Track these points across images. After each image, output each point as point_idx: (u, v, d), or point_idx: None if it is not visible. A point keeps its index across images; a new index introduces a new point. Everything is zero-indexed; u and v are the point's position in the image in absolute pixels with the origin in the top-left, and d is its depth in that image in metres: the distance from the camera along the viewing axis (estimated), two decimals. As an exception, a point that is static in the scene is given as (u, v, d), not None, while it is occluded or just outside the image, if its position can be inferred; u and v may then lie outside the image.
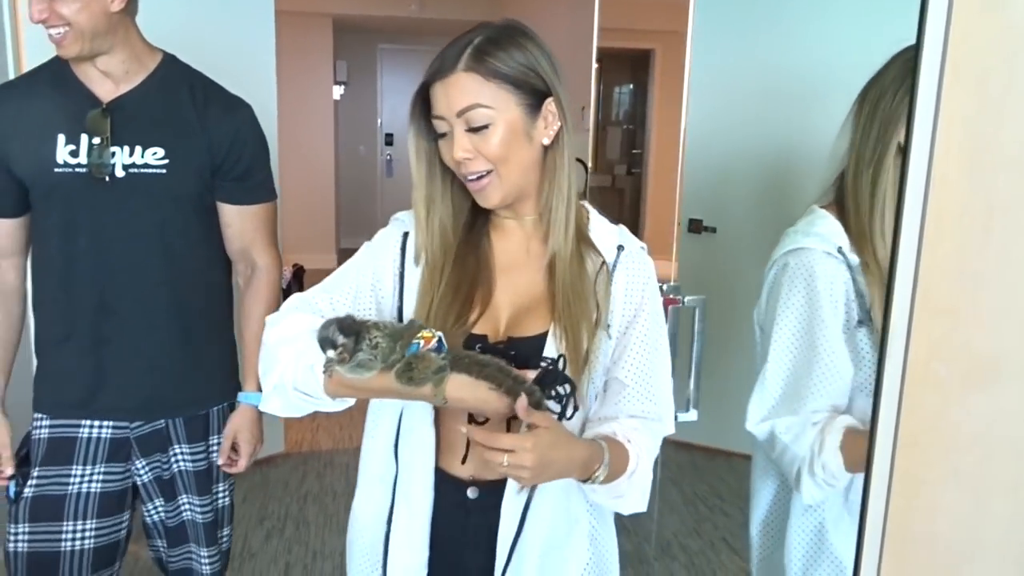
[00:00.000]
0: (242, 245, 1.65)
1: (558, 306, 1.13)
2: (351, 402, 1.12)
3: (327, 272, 1.21)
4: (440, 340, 1.02)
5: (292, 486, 3.41)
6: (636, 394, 1.16)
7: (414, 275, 1.16)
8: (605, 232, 1.20)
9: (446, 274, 1.13)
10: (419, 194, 1.15)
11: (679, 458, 3.63)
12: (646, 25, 6.51)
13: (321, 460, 3.60)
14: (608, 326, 1.15)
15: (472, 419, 1.11)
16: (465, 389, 1.03)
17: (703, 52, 3.52)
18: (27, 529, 1.54)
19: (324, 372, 1.04)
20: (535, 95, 1.09)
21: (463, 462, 1.15)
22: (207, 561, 1.68)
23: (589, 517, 1.21)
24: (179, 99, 1.56)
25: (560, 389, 1.07)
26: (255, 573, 2.76)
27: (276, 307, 1.67)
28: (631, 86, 8.62)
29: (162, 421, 1.62)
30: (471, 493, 1.16)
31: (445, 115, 1.07)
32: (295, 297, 1.16)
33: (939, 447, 0.85)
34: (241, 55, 3.23)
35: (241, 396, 1.68)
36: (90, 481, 1.58)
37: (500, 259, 1.18)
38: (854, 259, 1.25)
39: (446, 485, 1.16)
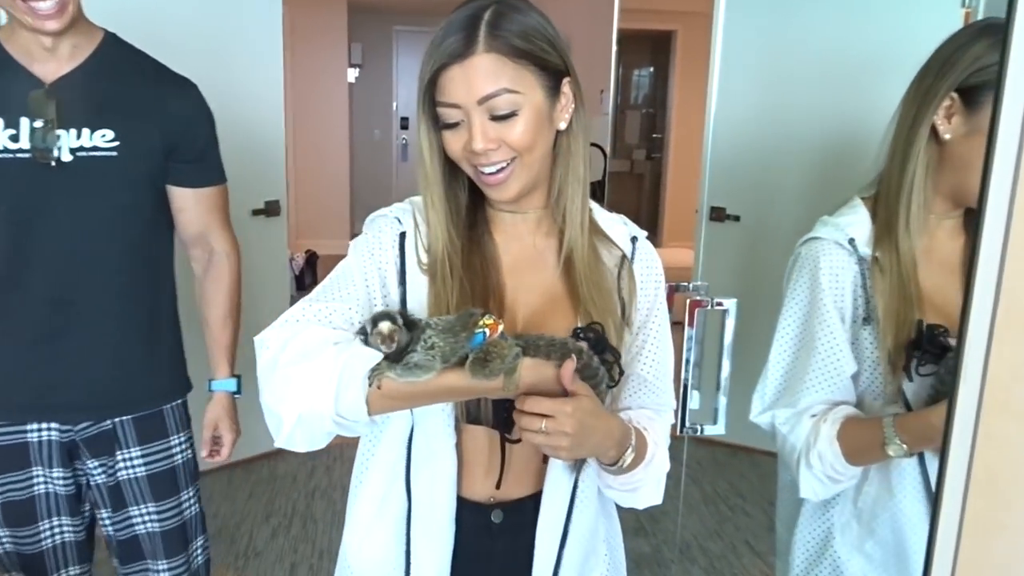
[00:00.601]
0: (199, 230, 1.59)
1: (583, 305, 1.04)
2: (379, 422, 1.00)
3: (341, 258, 1.08)
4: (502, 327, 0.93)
5: (300, 481, 3.32)
6: (655, 388, 1.12)
7: (417, 281, 1.04)
8: (611, 222, 1.13)
9: (456, 279, 1.01)
10: (435, 193, 1.03)
11: (699, 454, 3.52)
12: (668, 6, 6.35)
13: (330, 454, 3.52)
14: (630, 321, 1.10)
15: (504, 438, 1.02)
16: (536, 372, 0.92)
17: (729, 33, 3.37)
18: (6, 533, 1.52)
19: (371, 382, 0.89)
20: (554, 75, 0.99)
21: (498, 485, 1.05)
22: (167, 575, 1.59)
23: (603, 519, 1.16)
24: (128, 79, 1.48)
25: (606, 356, 1.00)
26: (260, 573, 2.68)
27: (238, 292, 1.66)
28: (651, 69, 8.45)
29: (109, 422, 1.53)
30: (495, 517, 1.07)
31: (462, 103, 0.95)
32: (294, 311, 1.00)
33: (1022, 485, 0.73)
34: (247, 38, 3.12)
35: (215, 384, 1.62)
36: (52, 483, 1.53)
37: (505, 258, 1.07)
38: (865, 251, 1.19)
39: (467, 512, 1.05)
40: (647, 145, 8.38)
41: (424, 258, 1.03)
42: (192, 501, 1.63)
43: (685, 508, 3.08)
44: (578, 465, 1.04)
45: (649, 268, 1.12)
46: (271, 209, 3.28)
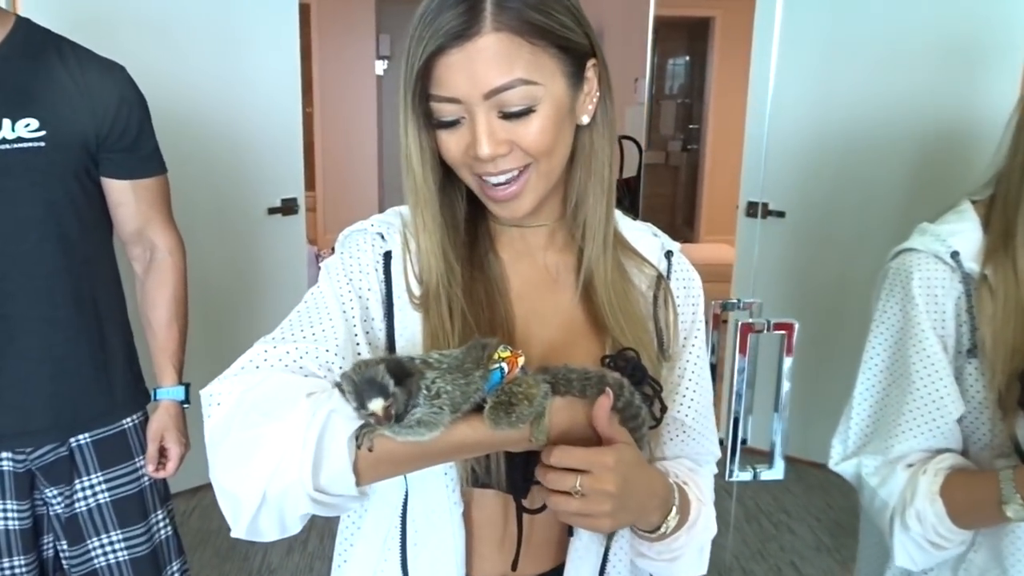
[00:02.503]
0: (138, 225, 1.46)
1: (611, 336, 0.85)
2: (368, 496, 0.78)
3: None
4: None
5: (319, 491, 3.17)
6: (696, 433, 0.94)
7: (407, 313, 0.85)
8: (639, 234, 0.93)
9: (456, 311, 0.82)
10: (428, 212, 0.83)
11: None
12: (706, -10, 6.10)
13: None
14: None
15: (521, 506, 0.82)
16: (569, 415, 0.74)
17: (775, 14, 3.14)
18: None
19: (359, 444, 0.70)
20: (578, 58, 0.79)
21: (514, 566, 0.84)
22: None
23: None
24: (49, 64, 1.33)
25: (645, 389, 0.81)
26: (273, 593, 2.55)
27: (184, 293, 1.50)
28: (687, 57, 8.19)
29: (66, 448, 1.39)
30: None
31: (464, 97, 0.75)
32: (253, 354, 0.78)
33: None
34: (262, 38, 2.97)
35: (161, 393, 1.48)
36: (8, 518, 1.39)
37: (514, 281, 0.88)
38: (972, 267, 0.98)
39: None
40: (684, 136, 8.14)
41: (416, 289, 0.84)
42: (164, 524, 1.51)
43: (724, 526, 2.88)
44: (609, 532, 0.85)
45: (687, 289, 0.94)
46: (287, 207, 3.14)
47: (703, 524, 0.89)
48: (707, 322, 0.99)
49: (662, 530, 0.82)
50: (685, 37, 8.02)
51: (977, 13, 2.78)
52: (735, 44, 5.80)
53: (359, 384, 0.67)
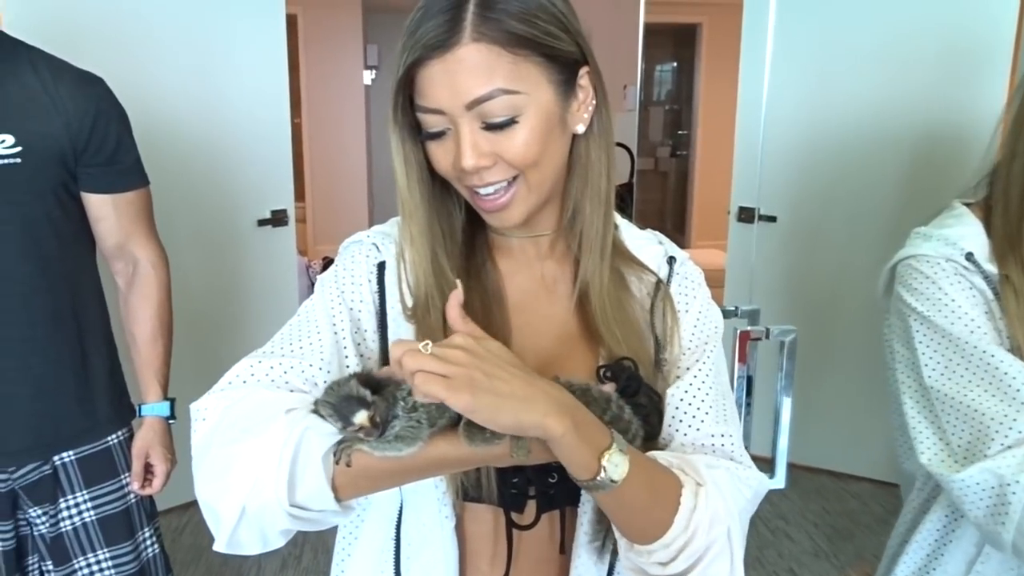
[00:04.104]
0: (119, 240, 1.44)
1: (607, 348, 0.83)
2: (356, 507, 0.77)
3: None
4: None
5: (312, 505, 3.14)
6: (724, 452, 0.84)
7: (401, 326, 0.84)
8: (642, 241, 0.91)
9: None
10: (416, 225, 0.83)
11: (735, 471, 3.29)
12: (692, -3, 6.13)
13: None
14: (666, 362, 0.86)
15: (511, 520, 0.81)
16: None
17: (762, 21, 3.15)
18: None
19: (337, 460, 0.69)
20: (567, 66, 0.78)
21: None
22: None
23: None
24: (22, 77, 1.30)
25: (640, 399, 0.78)
26: (267, 609, 2.51)
27: (168, 307, 1.48)
28: (674, 63, 8.22)
29: (49, 466, 1.37)
30: None
31: (446, 108, 0.75)
32: (240, 369, 0.78)
33: None
34: (250, 49, 2.95)
35: (146, 409, 1.46)
36: None
37: (510, 291, 0.87)
38: (991, 269, 0.96)
39: None
40: (672, 142, 8.16)
41: (409, 300, 0.84)
42: (151, 541, 1.49)
43: (722, 532, 2.86)
44: (610, 546, 0.82)
45: (690, 296, 0.89)
46: (277, 219, 3.12)
47: (708, 516, 0.73)
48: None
49: (606, 472, 0.68)
50: (671, 44, 8.06)
51: (967, 16, 2.79)
52: (722, 50, 5.82)
53: (337, 404, 0.68)
